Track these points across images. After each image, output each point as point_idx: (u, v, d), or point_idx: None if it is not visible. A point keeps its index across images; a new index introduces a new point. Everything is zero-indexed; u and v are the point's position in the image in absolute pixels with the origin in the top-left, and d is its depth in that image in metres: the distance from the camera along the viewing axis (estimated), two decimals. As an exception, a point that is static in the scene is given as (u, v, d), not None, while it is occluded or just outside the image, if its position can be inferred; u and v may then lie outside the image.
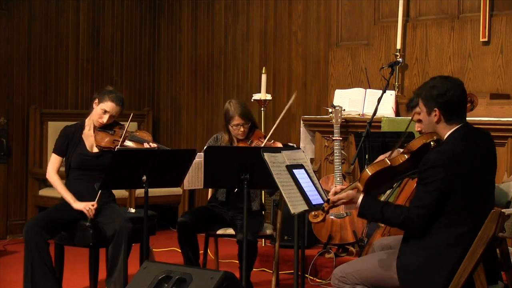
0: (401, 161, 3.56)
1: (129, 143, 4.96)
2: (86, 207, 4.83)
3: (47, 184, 7.54)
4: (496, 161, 3.67)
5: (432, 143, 3.54)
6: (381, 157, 3.67)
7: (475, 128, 3.66)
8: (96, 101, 5.02)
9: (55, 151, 5.08)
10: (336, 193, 3.59)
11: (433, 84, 3.55)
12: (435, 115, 3.52)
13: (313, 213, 3.59)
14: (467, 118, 5.20)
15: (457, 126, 3.52)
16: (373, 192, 3.62)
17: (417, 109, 3.80)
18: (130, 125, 4.99)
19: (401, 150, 3.62)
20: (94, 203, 4.84)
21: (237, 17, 7.89)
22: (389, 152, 3.64)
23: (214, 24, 8.08)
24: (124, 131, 4.93)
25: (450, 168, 3.40)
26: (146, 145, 4.93)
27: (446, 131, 3.53)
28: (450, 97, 3.50)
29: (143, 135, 5.11)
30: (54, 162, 5.07)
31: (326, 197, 3.71)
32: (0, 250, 6.79)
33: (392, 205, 3.55)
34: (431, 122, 3.55)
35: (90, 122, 5.09)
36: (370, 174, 3.54)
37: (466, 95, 3.61)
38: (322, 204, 3.72)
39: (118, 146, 4.80)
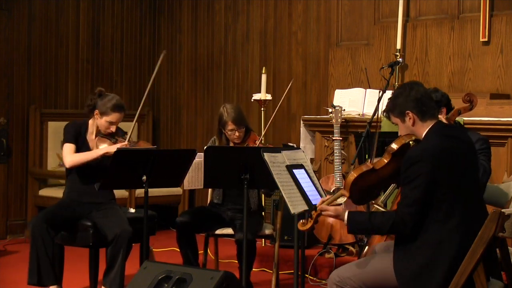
0: (382, 164, 3.57)
1: None
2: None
3: (47, 184, 7.56)
4: (476, 151, 3.71)
5: (411, 142, 3.57)
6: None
7: (449, 124, 3.75)
8: (97, 112, 4.94)
9: (67, 140, 4.97)
10: (323, 202, 3.60)
11: (395, 95, 3.63)
12: (409, 118, 3.57)
13: (301, 221, 3.59)
14: (466, 118, 5.27)
15: (432, 124, 3.57)
16: (359, 200, 3.62)
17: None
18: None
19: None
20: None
21: (237, 17, 7.88)
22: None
23: (214, 24, 8.08)
24: (126, 141, 4.91)
25: (431, 161, 3.42)
26: None
27: (423, 130, 3.57)
28: (415, 94, 3.57)
29: (143, 146, 5.08)
30: (69, 150, 4.94)
31: (320, 200, 3.71)
32: (0, 250, 6.79)
33: (378, 212, 3.56)
34: (408, 127, 3.60)
35: (93, 127, 5.05)
36: (353, 177, 3.54)
37: (427, 90, 3.67)
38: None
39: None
